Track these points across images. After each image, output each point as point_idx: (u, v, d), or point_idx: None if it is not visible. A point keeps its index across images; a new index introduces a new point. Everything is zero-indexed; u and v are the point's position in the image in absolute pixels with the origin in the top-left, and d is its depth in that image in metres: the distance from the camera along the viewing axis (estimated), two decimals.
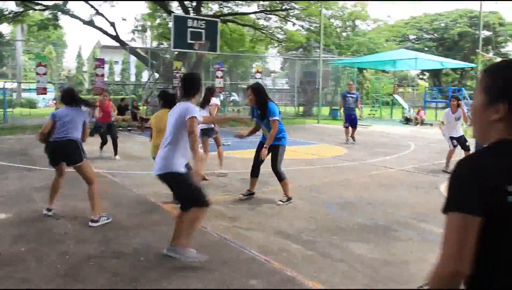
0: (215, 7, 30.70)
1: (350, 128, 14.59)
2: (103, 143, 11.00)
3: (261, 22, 32.11)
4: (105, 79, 21.92)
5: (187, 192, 3.99)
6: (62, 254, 4.43)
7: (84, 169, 5.38)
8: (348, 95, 14.69)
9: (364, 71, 41.21)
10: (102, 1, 24.75)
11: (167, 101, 5.90)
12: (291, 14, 30.28)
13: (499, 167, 1.23)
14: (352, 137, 14.63)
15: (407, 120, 24.07)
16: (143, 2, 31.35)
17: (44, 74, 19.47)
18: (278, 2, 28.94)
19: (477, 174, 1.23)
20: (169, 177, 3.99)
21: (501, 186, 1.20)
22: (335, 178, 8.66)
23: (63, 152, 5.33)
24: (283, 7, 28.78)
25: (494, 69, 1.35)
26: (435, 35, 48.54)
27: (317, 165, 10.20)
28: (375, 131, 19.58)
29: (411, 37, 49.13)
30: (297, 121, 25.69)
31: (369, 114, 28.24)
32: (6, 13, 22.77)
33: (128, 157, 11.10)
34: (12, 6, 24.90)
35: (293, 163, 10.00)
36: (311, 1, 26.36)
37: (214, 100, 8.49)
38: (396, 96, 27.65)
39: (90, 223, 5.29)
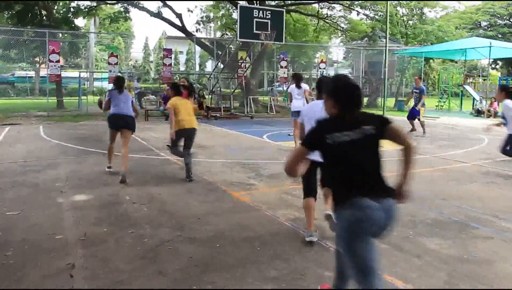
0: None
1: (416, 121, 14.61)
2: None
3: (325, 11, 31.62)
4: (171, 68, 22.46)
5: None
6: (139, 237, 4.61)
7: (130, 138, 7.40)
8: (414, 90, 14.93)
9: (431, 61, 39.65)
10: None
11: (178, 91, 7.51)
12: (355, 3, 29.65)
13: (325, 125, 2.60)
14: (412, 126, 14.52)
15: (478, 112, 22.95)
16: None
17: (116, 64, 20.26)
18: None
19: (315, 129, 2.61)
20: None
21: (324, 132, 2.55)
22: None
23: (126, 122, 7.29)
24: None
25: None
26: (511, 20, 45.77)
27: (383, 157, 9.94)
28: (443, 124, 18.96)
29: (483, 24, 46.59)
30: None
31: (437, 106, 27.22)
32: (82, 7, 24.22)
33: (195, 145, 11.33)
34: (87, 1, 26.12)
35: None
36: None
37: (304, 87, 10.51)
38: (466, 86, 26.41)
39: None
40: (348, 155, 2.59)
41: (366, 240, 2.50)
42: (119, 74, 24.84)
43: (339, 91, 2.71)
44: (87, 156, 9.40)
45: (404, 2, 31.15)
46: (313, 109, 4.24)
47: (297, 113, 9.38)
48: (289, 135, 12.97)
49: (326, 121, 2.70)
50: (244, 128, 15.31)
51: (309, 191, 4.42)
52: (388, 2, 24.90)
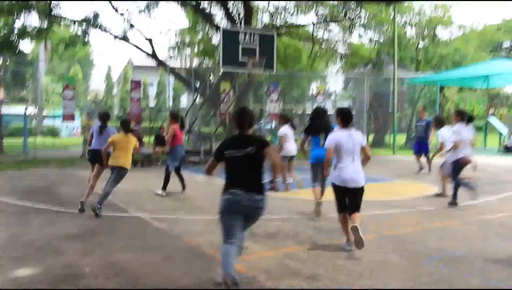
0: (265, 18, 30.99)
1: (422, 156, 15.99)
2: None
3: (320, 34, 32.10)
4: (140, 104, 22.33)
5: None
6: None
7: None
8: (418, 123, 16.50)
9: (445, 89, 40.19)
10: (140, 11, 25.36)
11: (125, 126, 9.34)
12: (356, 23, 30.10)
13: (227, 143, 5.08)
14: (429, 165, 15.67)
15: (507, 149, 23.02)
16: (183, 15, 32.19)
17: (72, 98, 20.02)
18: (340, 9, 28.82)
19: (219, 146, 5.07)
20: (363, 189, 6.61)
21: (224, 149, 4.98)
22: (428, 224, 8.21)
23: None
24: (347, 16, 28.62)
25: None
26: None
27: (400, 208, 9.77)
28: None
29: (505, 44, 47.58)
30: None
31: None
32: (29, 30, 23.03)
33: (174, 197, 11.02)
34: (35, 21, 25.71)
35: (367, 206, 8.31)
36: (382, 2, 26.03)
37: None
38: (491, 119, 26.60)
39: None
40: (234, 164, 4.95)
41: (230, 214, 4.86)
42: (76, 110, 24.51)
43: (234, 117, 5.12)
44: (35, 215, 8.93)
45: (412, 22, 31.70)
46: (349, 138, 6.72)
47: (292, 158, 11.98)
48: (284, 183, 12.82)
49: (227, 140, 5.22)
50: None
51: (342, 208, 6.67)
52: (395, 19, 25.44)
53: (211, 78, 26.35)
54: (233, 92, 23.33)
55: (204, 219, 8.60)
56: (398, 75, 25.95)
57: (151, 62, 26.39)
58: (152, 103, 51.95)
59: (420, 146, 16.09)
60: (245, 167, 4.91)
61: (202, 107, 24.34)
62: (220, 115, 22.83)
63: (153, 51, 24.83)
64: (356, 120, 36.09)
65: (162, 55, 28.57)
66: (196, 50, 34.21)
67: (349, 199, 6.49)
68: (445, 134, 10.70)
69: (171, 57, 28.85)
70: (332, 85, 59.32)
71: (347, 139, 6.52)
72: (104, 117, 10.20)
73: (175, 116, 11.66)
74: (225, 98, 22.34)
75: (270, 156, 4.99)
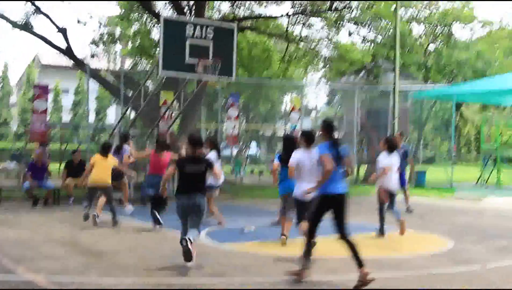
0: (224, 6, 30.97)
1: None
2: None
3: (298, 30, 32.21)
4: (47, 117, 21.80)
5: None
6: None
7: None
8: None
9: (463, 107, 40.62)
10: None
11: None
12: (346, 17, 30.25)
13: (187, 160, 10.10)
14: (406, 203, 17.46)
15: None
16: None
17: None
18: None
19: (181, 160, 10.49)
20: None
21: (185, 164, 9.97)
22: None
23: None
24: (333, 6, 28.76)
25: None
26: None
27: (404, 269, 9.82)
28: (493, 209, 19.08)
29: None
30: (358, 190, 24.99)
31: (479, 179, 27.47)
32: None
33: (87, 247, 10.89)
34: None
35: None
36: None
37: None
38: None
39: None
40: (186, 176, 9.69)
41: (182, 211, 9.65)
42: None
43: (188, 142, 9.97)
44: None
45: (421, 16, 31.96)
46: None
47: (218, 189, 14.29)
48: (244, 231, 13.02)
49: (188, 158, 9.99)
50: (168, 220, 14.67)
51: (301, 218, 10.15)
52: (398, 12, 25.60)
53: (148, 85, 26.03)
54: (177, 105, 23.00)
55: (126, 283, 8.31)
56: (400, 87, 26.08)
57: (67, 62, 25.90)
58: (66, 117, 51.16)
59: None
60: (193, 178, 9.69)
61: (135, 125, 23.92)
62: (159, 135, 22.43)
63: (68, 46, 24.37)
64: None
65: (81, 52, 28.07)
66: (129, 46, 33.90)
67: (297, 209, 10.66)
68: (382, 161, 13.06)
69: (93, 56, 28.36)
70: (313, 99, 59.63)
71: (308, 159, 10.04)
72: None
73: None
74: (167, 113, 21.97)
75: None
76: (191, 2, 26.30)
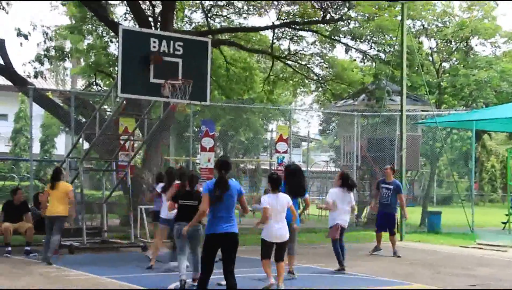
0: (197, 16, 31.16)
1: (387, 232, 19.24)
2: None
3: (285, 45, 32.42)
4: None
5: None
6: None
7: None
8: (383, 185, 19.26)
9: (485, 136, 40.73)
10: None
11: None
12: (341, 29, 30.50)
13: (184, 195, 13.74)
14: (393, 248, 19.07)
15: None
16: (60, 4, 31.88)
17: None
18: (317, 5, 29.15)
19: (178, 194, 13.89)
20: None
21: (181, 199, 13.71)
22: None
23: None
24: (327, 16, 28.97)
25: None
26: None
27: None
28: None
29: None
30: (358, 236, 24.99)
31: (505, 224, 27.46)
32: None
33: None
34: None
35: None
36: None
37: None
38: None
39: None
40: (185, 208, 13.37)
41: (181, 238, 13.21)
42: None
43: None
44: None
45: (432, 28, 32.09)
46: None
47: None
48: (219, 284, 13.00)
49: (184, 193, 13.56)
50: (129, 272, 14.66)
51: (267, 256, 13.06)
52: (404, 23, 25.70)
53: (105, 110, 25.99)
54: (141, 134, 22.98)
55: None
56: (408, 112, 26.19)
57: (3, 80, 25.81)
58: (4, 147, 50.83)
59: (388, 218, 19.18)
60: (190, 210, 12.46)
61: (90, 158, 23.85)
62: (118, 170, 22.39)
63: (7, 62, 24.29)
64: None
65: (23, 70, 27.78)
66: (81, 63, 33.92)
67: (276, 250, 13.09)
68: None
69: (37, 74, 28.20)
70: (303, 127, 59.83)
71: (276, 202, 12.92)
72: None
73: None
74: (127, 144, 21.94)
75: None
76: (157, 10, 26.42)
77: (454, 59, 33.35)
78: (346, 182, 15.86)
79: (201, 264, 11.11)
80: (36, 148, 41.23)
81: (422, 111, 30.22)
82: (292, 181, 14.24)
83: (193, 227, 12.75)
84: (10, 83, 26.07)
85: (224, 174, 10.78)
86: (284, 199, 12.99)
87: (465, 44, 32.44)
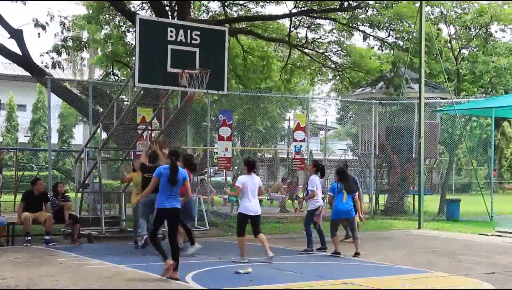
0: (214, 5, 31.09)
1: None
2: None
3: (302, 33, 32.33)
4: (0, 139, 21.76)
5: None
6: None
7: None
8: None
9: (505, 124, 40.48)
10: None
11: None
12: (359, 16, 30.36)
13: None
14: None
15: None
16: None
17: None
18: None
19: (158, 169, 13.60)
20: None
21: None
22: None
23: None
24: (344, 4, 28.85)
25: None
26: None
27: None
28: None
29: None
30: (377, 224, 24.99)
31: None
32: None
33: None
34: None
35: None
36: None
37: None
38: None
39: None
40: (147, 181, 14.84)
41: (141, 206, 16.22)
42: None
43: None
44: None
45: (451, 15, 31.85)
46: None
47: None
48: (237, 273, 13.17)
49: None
50: (146, 261, 14.68)
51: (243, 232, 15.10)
52: (423, 9, 25.56)
53: (123, 100, 26.02)
54: (158, 124, 23.02)
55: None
56: (426, 100, 26.09)
57: (22, 71, 25.88)
58: (23, 138, 50.96)
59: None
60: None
61: (107, 147, 23.92)
62: (136, 159, 22.42)
63: (24, 52, 24.34)
64: (358, 174, 36.06)
65: (41, 60, 27.75)
66: (98, 54, 33.95)
67: (251, 225, 15.15)
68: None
69: (55, 65, 28.26)
70: (321, 115, 59.77)
71: (251, 182, 15.12)
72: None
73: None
74: (145, 133, 21.98)
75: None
76: (174, 2, 26.37)
77: (473, 45, 33.20)
78: (320, 170, 17.76)
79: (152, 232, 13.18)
80: (54, 138, 41.26)
81: (441, 98, 30.10)
82: (347, 181, 16.59)
83: (149, 198, 14.33)
84: (28, 74, 26.12)
85: (174, 160, 12.94)
86: (257, 179, 15.46)
87: (484, 30, 32.23)
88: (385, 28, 30.27)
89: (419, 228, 23.93)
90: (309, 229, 17.11)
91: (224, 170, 31.85)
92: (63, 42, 28.46)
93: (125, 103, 23.61)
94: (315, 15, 29.77)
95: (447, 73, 30.86)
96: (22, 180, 31.20)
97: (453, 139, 31.82)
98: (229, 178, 36.18)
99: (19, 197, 22.93)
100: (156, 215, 13.27)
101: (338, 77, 35.00)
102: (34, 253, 15.87)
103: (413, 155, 27.73)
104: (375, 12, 29.34)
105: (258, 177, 15.93)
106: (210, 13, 31.70)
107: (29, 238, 17.36)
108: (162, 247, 12.77)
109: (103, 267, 14.10)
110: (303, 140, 26.63)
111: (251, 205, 15.07)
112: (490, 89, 30.89)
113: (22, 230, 17.78)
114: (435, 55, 30.53)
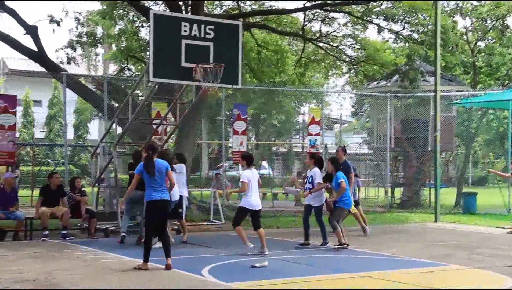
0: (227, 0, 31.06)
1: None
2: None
3: (316, 27, 32.29)
4: (17, 134, 21.80)
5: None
6: None
7: None
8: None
9: None
10: None
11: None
12: (374, 10, 30.30)
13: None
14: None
15: None
16: None
17: None
18: None
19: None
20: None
21: None
22: None
23: None
24: None
25: None
26: None
27: None
28: None
29: None
30: (392, 217, 24.96)
31: None
32: None
33: None
34: None
35: None
36: None
37: None
38: None
39: None
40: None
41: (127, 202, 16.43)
42: None
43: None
44: None
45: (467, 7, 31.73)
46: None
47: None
48: (253, 266, 13.19)
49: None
50: (163, 254, 14.68)
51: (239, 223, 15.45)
52: (438, 2, 25.42)
53: (138, 95, 26.08)
54: (173, 118, 23.04)
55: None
56: (442, 92, 25.99)
57: (37, 67, 25.93)
58: (39, 133, 51.23)
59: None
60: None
61: (122, 142, 23.97)
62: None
63: (40, 48, 24.42)
64: (373, 167, 35.97)
65: (56, 56, 27.93)
66: (113, 49, 34.02)
67: (253, 219, 15.44)
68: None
69: (70, 60, 28.37)
70: (335, 109, 59.69)
71: (252, 176, 15.39)
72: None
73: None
74: (160, 128, 22.02)
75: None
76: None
77: (490, 37, 33.06)
78: (319, 161, 17.55)
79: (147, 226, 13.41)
80: (70, 134, 41.56)
81: (457, 91, 30.02)
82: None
83: (138, 194, 15.04)
84: (43, 70, 26.21)
85: (151, 154, 13.35)
86: (256, 173, 15.90)
87: (501, 22, 32.12)
88: (400, 21, 30.28)
89: (435, 221, 23.88)
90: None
91: (239, 164, 31.85)
92: (77, 38, 28.59)
93: (140, 98, 23.71)
94: (329, 8, 29.71)
95: (463, 66, 30.82)
96: (39, 175, 31.38)
97: (469, 132, 31.71)
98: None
99: (36, 192, 23.05)
100: (146, 209, 13.44)
101: (352, 71, 34.97)
102: (52, 247, 15.98)
103: (429, 148, 27.67)
104: (389, 5, 29.31)
105: (256, 170, 16.26)
106: (224, 8, 31.72)
107: (47, 232, 17.49)
108: (149, 252, 12.92)
109: (120, 261, 14.15)
110: (318, 134, 26.56)
111: (254, 200, 15.33)
112: (507, 81, 30.76)
113: (39, 224, 17.85)
114: (450, 48, 30.45)
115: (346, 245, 16.23)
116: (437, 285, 11.82)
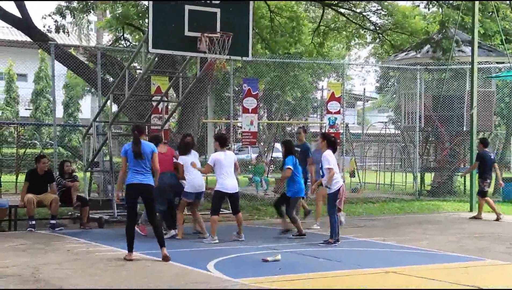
0: None
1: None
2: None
3: None
4: None
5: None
6: None
7: None
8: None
9: None
10: None
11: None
12: None
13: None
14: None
15: None
16: None
17: None
18: None
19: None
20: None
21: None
22: None
23: None
24: None
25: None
26: None
27: None
28: None
29: None
30: (422, 206, 25.00)
31: None
32: None
33: None
34: None
35: None
36: None
37: None
38: None
39: None
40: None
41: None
42: None
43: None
44: None
45: None
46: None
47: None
48: (264, 260, 13.29)
49: None
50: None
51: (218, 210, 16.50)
52: None
53: (135, 68, 26.14)
54: (175, 94, 23.11)
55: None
56: (480, 65, 25.95)
57: (22, 36, 26.02)
58: (24, 110, 51.28)
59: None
60: None
61: (118, 121, 24.09)
62: (151, 134, 22.56)
63: (25, 14, 24.47)
64: (401, 150, 35.92)
65: (43, 24, 27.92)
66: (107, 16, 34.05)
67: (231, 203, 16.69)
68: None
69: (59, 29, 28.43)
70: (357, 84, 59.63)
71: (225, 158, 16.15)
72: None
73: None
74: (160, 105, 22.12)
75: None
76: None
77: None
78: (332, 143, 16.77)
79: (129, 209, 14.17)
80: (59, 112, 41.57)
81: (497, 63, 29.97)
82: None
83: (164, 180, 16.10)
84: (28, 39, 26.28)
85: (137, 135, 13.87)
86: (231, 155, 16.68)
87: None
88: None
89: (470, 210, 23.88)
90: (334, 217, 15.76)
91: (249, 146, 31.91)
92: (67, 3, 28.59)
93: (138, 71, 23.71)
94: None
95: (505, 34, 30.69)
96: (24, 159, 31.47)
97: (510, 109, 31.66)
98: (254, 155, 36.19)
99: (21, 177, 23.17)
100: (125, 193, 13.97)
101: (378, 40, 34.82)
102: (39, 238, 16.07)
103: (464, 128, 27.64)
104: None
105: (232, 153, 17.41)
106: None
107: (33, 222, 17.55)
108: (133, 241, 13.50)
109: (115, 254, 14.23)
110: (338, 112, 26.58)
111: (229, 183, 16.13)
112: None
113: (25, 213, 17.90)
114: (490, 13, 30.35)
115: (304, 235, 16.84)
116: (479, 284, 11.62)
